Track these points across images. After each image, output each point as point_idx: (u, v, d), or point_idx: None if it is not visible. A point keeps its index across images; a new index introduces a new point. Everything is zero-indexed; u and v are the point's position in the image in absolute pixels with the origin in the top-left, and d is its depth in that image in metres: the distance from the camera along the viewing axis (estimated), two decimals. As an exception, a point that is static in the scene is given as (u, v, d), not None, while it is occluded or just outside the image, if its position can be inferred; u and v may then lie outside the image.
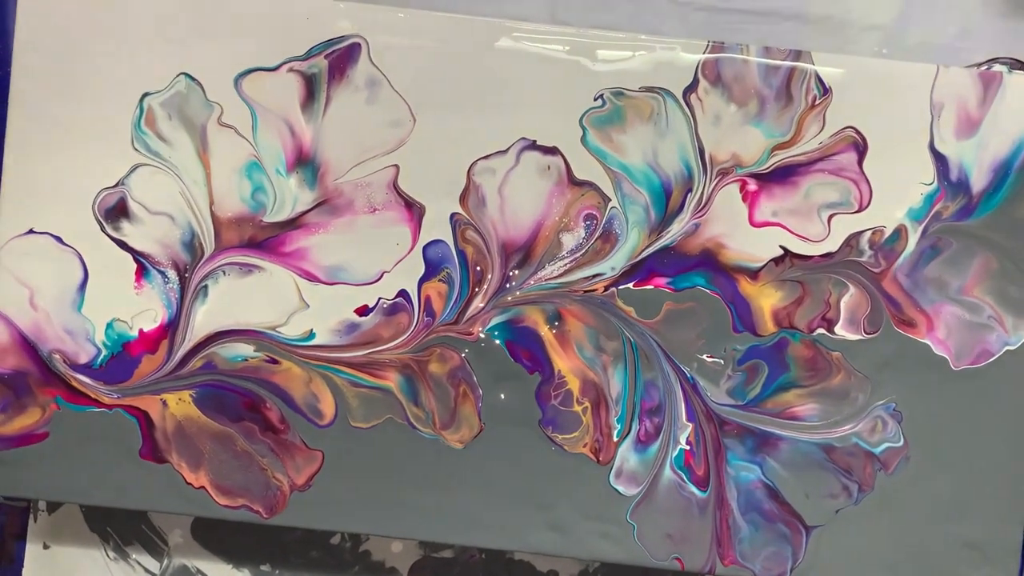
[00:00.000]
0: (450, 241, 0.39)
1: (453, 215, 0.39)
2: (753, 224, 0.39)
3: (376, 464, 0.40)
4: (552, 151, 0.39)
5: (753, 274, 0.39)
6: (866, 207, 0.39)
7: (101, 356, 0.40)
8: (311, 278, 0.39)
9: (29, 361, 0.40)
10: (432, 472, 0.40)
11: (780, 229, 0.39)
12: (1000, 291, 0.39)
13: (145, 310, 0.40)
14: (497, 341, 0.40)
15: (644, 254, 0.39)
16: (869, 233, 0.39)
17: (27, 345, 0.40)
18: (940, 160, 0.39)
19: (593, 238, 0.39)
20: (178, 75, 0.39)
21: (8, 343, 0.40)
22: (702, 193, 0.39)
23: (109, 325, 0.40)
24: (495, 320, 0.40)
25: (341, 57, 0.39)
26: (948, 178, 0.39)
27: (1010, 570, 0.40)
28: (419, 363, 0.40)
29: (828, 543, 0.40)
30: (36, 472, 0.40)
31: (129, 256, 0.40)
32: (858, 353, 0.39)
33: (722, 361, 0.40)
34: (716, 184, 0.39)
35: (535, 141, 0.39)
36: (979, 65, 0.43)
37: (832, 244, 0.39)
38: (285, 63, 0.39)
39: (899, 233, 0.39)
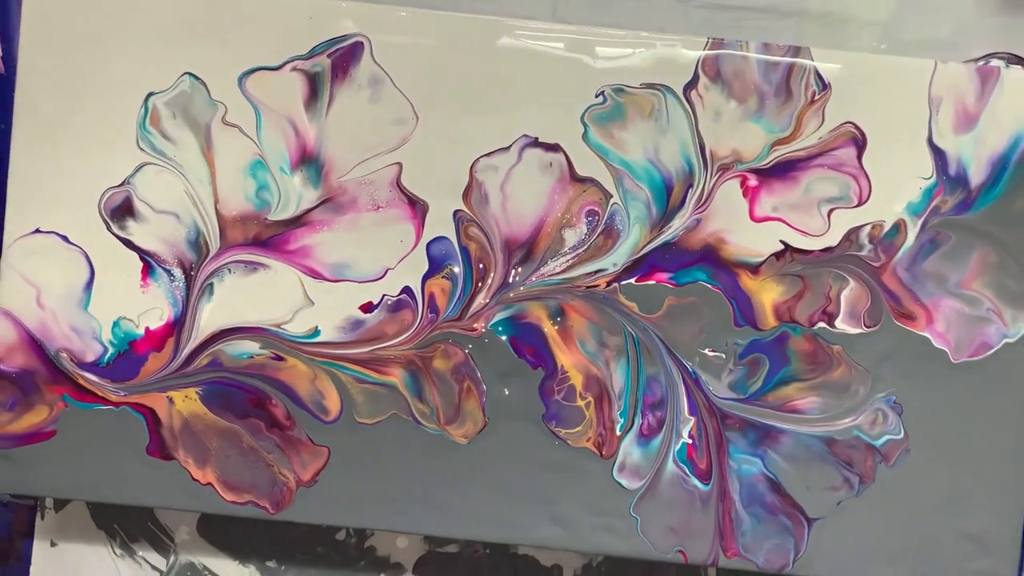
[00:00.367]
0: (453, 238, 0.40)
1: (456, 212, 0.40)
2: (754, 219, 0.40)
3: (381, 459, 0.40)
4: (554, 148, 0.39)
5: (754, 269, 0.40)
6: (865, 202, 0.39)
7: (108, 354, 0.40)
8: (316, 275, 0.40)
9: (36, 360, 0.40)
10: (437, 467, 0.40)
11: (780, 224, 0.40)
12: (999, 284, 0.40)
13: (151, 308, 0.40)
14: (501, 337, 0.40)
15: (646, 250, 0.40)
16: (868, 227, 0.40)
17: (34, 344, 0.40)
18: (938, 154, 0.39)
19: (595, 234, 0.40)
20: (182, 75, 0.39)
21: (15, 342, 0.40)
22: (703, 189, 0.39)
23: (115, 323, 0.40)
24: (498, 316, 0.40)
25: (344, 56, 0.39)
26: (946, 172, 0.39)
27: (1010, 561, 0.40)
28: (423, 359, 0.40)
29: (830, 535, 0.40)
30: (44, 470, 0.40)
31: (135, 255, 0.40)
32: (858, 346, 0.40)
33: (724, 355, 0.40)
34: (717, 180, 0.39)
35: (537, 138, 0.39)
36: (977, 60, 0.43)
37: (832, 239, 0.40)
38: (288, 62, 0.39)
39: (898, 227, 0.40)
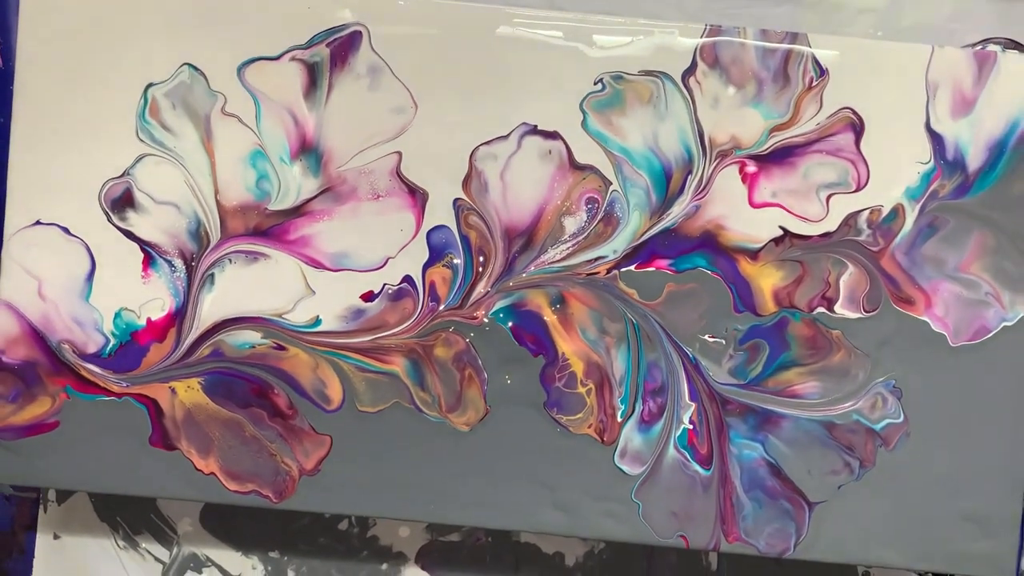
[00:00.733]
0: (453, 226, 0.40)
1: (456, 201, 0.40)
2: (753, 205, 0.40)
3: (384, 448, 0.40)
4: (553, 136, 0.40)
5: (753, 255, 0.40)
6: (864, 187, 0.40)
7: (110, 345, 0.40)
8: (316, 265, 0.40)
9: (38, 351, 0.40)
10: (439, 455, 0.40)
11: (779, 210, 0.40)
12: (997, 268, 0.40)
13: (152, 299, 0.40)
14: (501, 325, 0.40)
15: (645, 236, 0.40)
16: (867, 212, 0.40)
17: (36, 335, 0.40)
18: (936, 139, 0.39)
19: (595, 221, 0.40)
20: (181, 65, 0.39)
21: (17, 334, 0.40)
22: (702, 175, 0.40)
23: (117, 314, 0.40)
24: (499, 304, 0.40)
25: (343, 45, 0.39)
26: (944, 157, 0.40)
27: (1010, 543, 0.40)
28: (425, 348, 0.40)
29: (831, 519, 0.40)
30: (47, 461, 0.40)
31: (136, 246, 0.40)
32: (858, 331, 0.40)
33: (724, 341, 0.40)
34: (716, 166, 0.40)
35: (536, 126, 0.40)
36: (974, 45, 0.44)
37: (831, 224, 0.40)
38: (287, 52, 0.39)
39: (896, 212, 0.40)
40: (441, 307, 0.40)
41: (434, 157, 0.40)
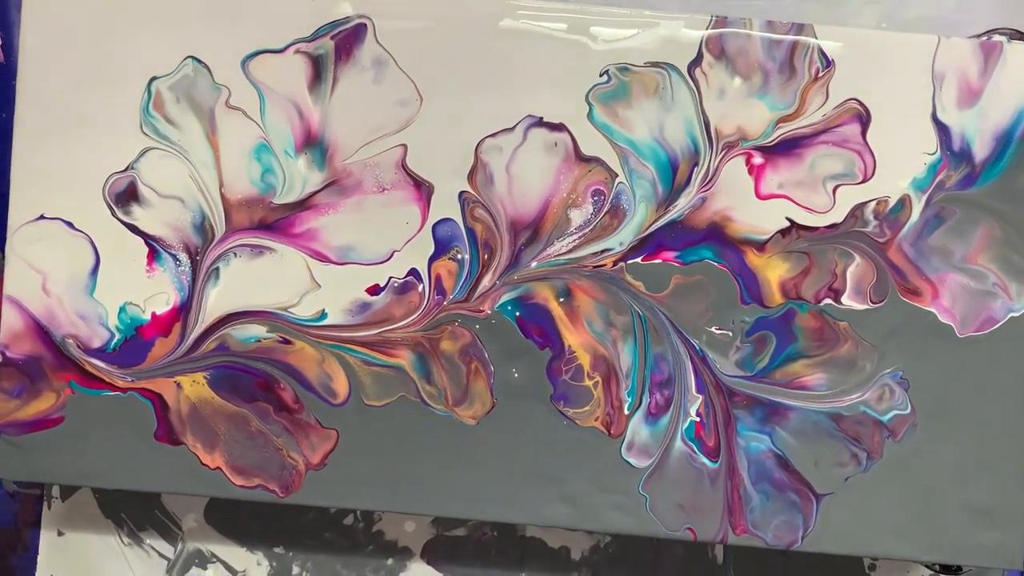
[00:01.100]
0: (459, 219, 0.40)
1: (462, 193, 0.40)
2: (759, 197, 0.40)
3: (390, 442, 0.40)
4: (559, 128, 0.39)
5: (760, 246, 0.40)
6: (870, 178, 0.40)
7: (114, 340, 0.40)
8: (322, 258, 0.40)
9: (43, 346, 0.40)
10: (446, 448, 0.40)
11: (786, 201, 0.40)
12: (1004, 259, 0.40)
13: (157, 293, 0.40)
14: (508, 318, 0.40)
15: (652, 228, 0.40)
16: (873, 203, 0.40)
17: (41, 330, 0.40)
18: (942, 130, 0.39)
19: (601, 213, 0.40)
20: (185, 58, 0.39)
21: (22, 329, 0.40)
22: (708, 167, 0.39)
23: (122, 309, 0.40)
24: (505, 297, 0.40)
25: (347, 38, 0.39)
26: (951, 148, 0.39)
27: (1018, 534, 0.40)
28: (431, 341, 0.40)
29: (838, 510, 0.40)
30: (52, 457, 0.40)
31: (140, 240, 0.40)
32: (865, 322, 0.40)
33: (730, 333, 0.40)
34: (722, 158, 0.39)
35: (542, 118, 0.39)
36: (979, 36, 0.44)
37: (837, 215, 0.40)
38: (292, 45, 0.39)
39: (903, 203, 0.40)
40: (447, 300, 0.40)
41: (439, 150, 0.39)
